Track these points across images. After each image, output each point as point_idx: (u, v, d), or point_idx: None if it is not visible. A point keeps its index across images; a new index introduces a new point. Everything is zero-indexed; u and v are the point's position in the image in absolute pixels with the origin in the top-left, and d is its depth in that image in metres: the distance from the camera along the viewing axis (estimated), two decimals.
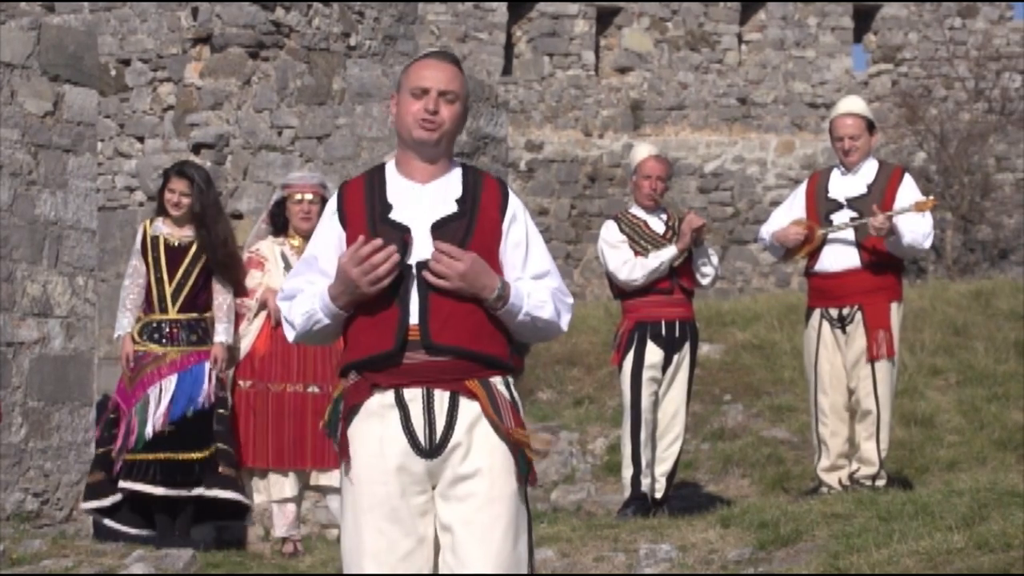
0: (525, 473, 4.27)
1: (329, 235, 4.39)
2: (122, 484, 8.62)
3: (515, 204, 4.40)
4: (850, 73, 24.60)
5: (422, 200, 4.32)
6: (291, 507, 8.74)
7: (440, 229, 4.26)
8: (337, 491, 8.77)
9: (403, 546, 4.22)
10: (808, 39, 24.41)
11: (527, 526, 4.32)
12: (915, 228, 8.58)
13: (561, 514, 10.30)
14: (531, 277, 4.36)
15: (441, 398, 4.24)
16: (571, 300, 4.43)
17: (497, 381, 4.30)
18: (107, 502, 8.71)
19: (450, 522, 4.23)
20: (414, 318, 4.22)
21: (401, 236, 4.25)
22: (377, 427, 4.25)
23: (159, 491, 8.61)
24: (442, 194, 4.33)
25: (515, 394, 4.34)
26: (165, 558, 7.95)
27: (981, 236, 23.96)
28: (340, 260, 4.25)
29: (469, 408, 4.25)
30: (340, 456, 4.32)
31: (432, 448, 4.23)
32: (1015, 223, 24.09)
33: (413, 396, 4.24)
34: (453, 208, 4.30)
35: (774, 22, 24.43)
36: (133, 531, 8.80)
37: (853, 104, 8.93)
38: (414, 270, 4.24)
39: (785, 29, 24.43)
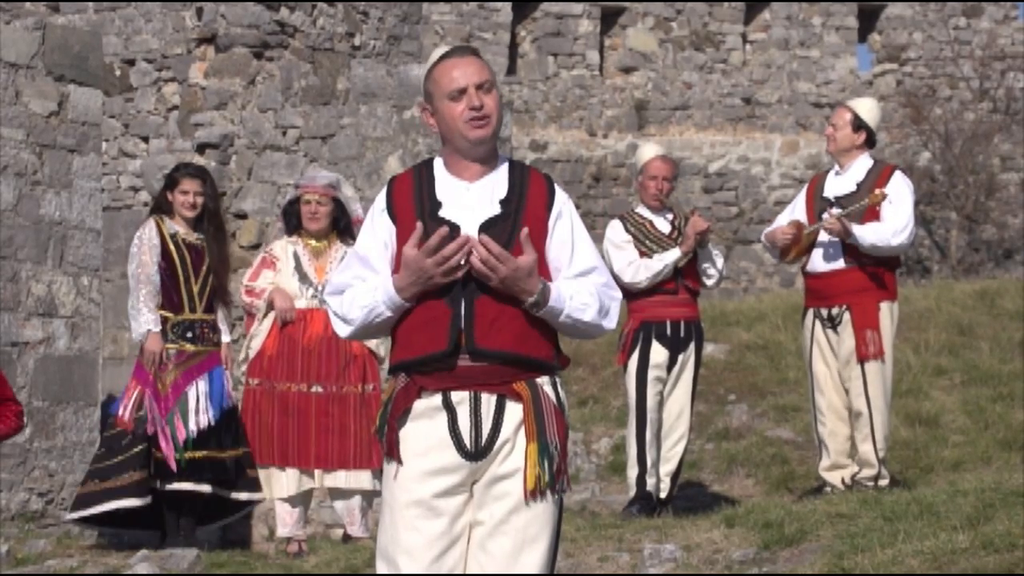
0: (551, 480, 4.25)
1: (379, 231, 4.37)
2: (176, 485, 8.56)
3: (561, 200, 4.41)
4: (855, 73, 24.57)
5: (469, 199, 4.32)
6: (292, 506, 8.74)
7: (487, 231, 4.25)
8: (344, 494, 8.79)
9: (438, 545, 4.23)
10: (813, 39, 24.40)
11: (557, 530, 4.32)
12: (878, 228, 8.45)
13: (566, 514, 10.28)
14: (577, 274, 4.36)
15: (488, 401, 4.25)
16: (619, 295, 4.41)
17: (544, 382, 4.30)
18: (96, 510, 8.59)
19: (483, 519, 4.25)
20: (463, 322, 4.22)
21: (450, 235, 4.24)
22: (424, 428, 4.25)
23: (205, 488, 8.60)
24: (488, 193, 4.33)
25: (562, 395, 4.34)
26: (170, 558, 7.94)
27: (986, 236, 23.94)
28: (407, 252, 4.21)
29: (516, 409, 4.26)
30: (387, 457, 4.31)
31: (478, 451, 4.24)
32: (1020, 223, 24.07)
33: (461, 399, 4.24)
34: (498, 209, 4.30)
35: (778, 22, 24.42)
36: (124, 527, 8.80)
37: (857, 101, 8.93)
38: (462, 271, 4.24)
39: (789, 29, 24.41)
